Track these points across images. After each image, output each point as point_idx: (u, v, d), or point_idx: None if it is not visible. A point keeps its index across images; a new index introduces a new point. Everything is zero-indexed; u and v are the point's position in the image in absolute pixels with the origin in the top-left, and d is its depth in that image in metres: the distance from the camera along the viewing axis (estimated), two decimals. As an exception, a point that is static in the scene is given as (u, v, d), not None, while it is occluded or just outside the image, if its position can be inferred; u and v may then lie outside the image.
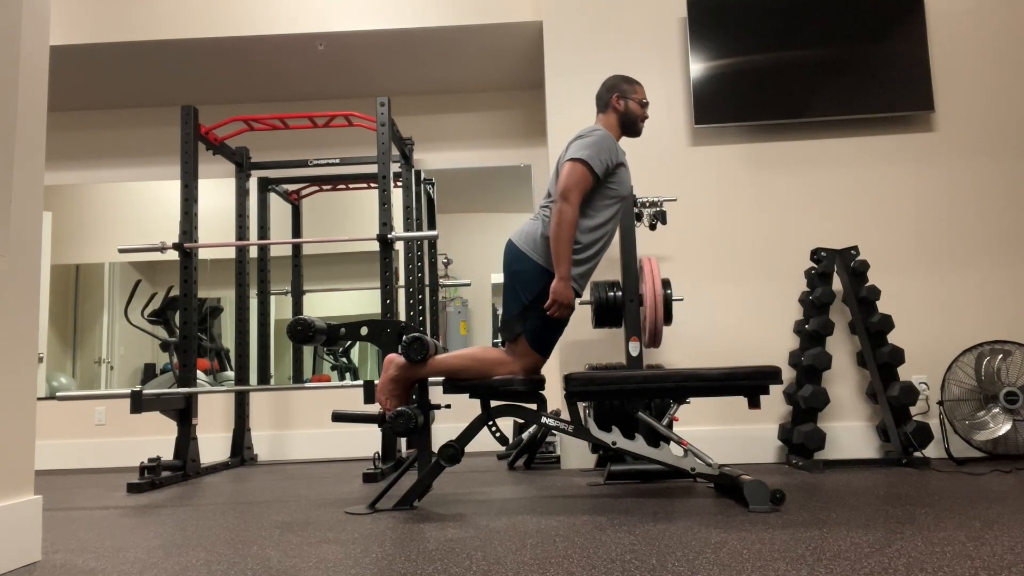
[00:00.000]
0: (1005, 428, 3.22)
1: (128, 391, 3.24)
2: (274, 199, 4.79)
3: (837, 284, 3.53)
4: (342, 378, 4.88)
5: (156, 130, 4.99)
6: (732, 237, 3.67)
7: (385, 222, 3.69)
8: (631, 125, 2.71)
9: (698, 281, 3.65)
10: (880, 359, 3.29)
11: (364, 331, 2.79)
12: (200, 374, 4.63)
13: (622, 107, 2.69)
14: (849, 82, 3.64)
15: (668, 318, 3.15)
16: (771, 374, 2.40)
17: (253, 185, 4.76)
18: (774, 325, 3.61)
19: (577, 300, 2.88)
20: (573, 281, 2.52)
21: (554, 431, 2.66)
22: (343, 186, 4.86)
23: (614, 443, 2.43)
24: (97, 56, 4.26)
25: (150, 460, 3.29)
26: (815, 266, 3.48)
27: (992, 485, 2.58)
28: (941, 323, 3.57)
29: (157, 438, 4.59)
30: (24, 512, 1.78)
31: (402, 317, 4.54)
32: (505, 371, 2.49)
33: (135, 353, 4.81)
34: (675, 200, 3.55)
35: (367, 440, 4.57)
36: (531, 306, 2.50)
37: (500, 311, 2.67)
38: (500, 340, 2.69)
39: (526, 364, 2.51)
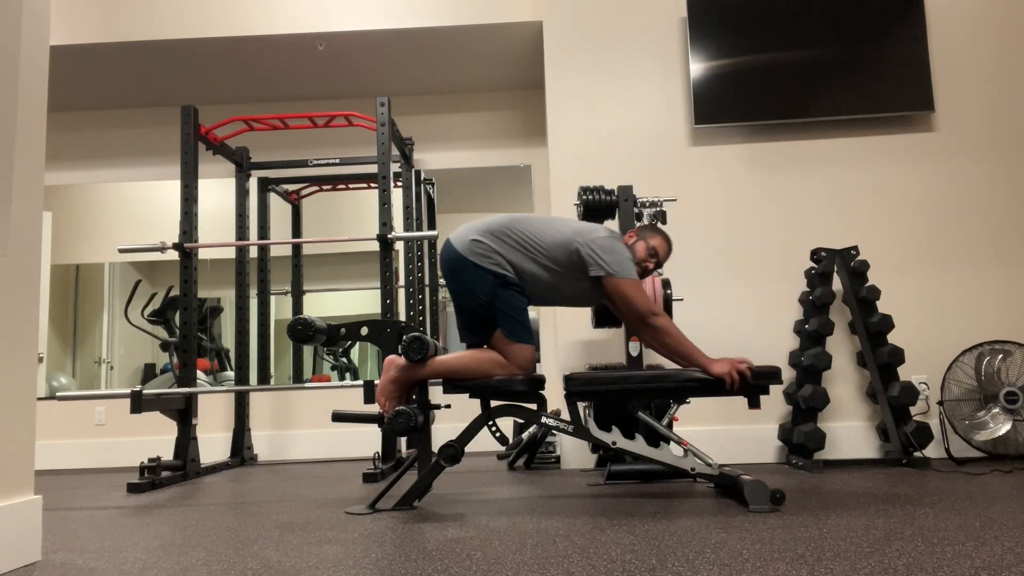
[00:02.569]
0: (1005, 428, 3.22)
1: (128, 391, 3.24)
2: (274, 199, 4.79)
3: (837, 284, 3.53)
4: (342, 378, 4.88)
5: (156, 130, 4.99)
6: (732, 237, 3.67)
7: (385, 222, 3.69)
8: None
9: (698, 281, 3.65)
10: (880, 359, 3.29)
11: (364, 331, 2.79)
12: (200, 374, 4.63)
13: (630, 242, 2.69)
14: (849, 82, 3.64)
15: (668, 318, 3.14)
16: (771, 374, 2.40)
17: (253, 185, 4.76)
18: (774, 325, 3.61)
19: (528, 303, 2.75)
20: (519, 287, 2.52)
21: (554, 431, 2.66)
22: (343, 186, 4.86)
23: (614, 443, 2.43)
24: (97, 56, 4.26)
25: (150, 460, 3.29)
26: (815, 266, 3.48)
27: (992, 485, 2.58)
28: (941, 323, 3.57)
29: (157, 438, 4.59)
30: (24, 512, 1.78)
31: (402, 317, 4.54)
32: (505, 372, 2.48)
33: (135, 353, 4.81)
34: (675, 200, 3.55)
35: (367, 440, 4.56)
36: (489, 304, 2.49)
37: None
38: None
39: (520, 360, 2.48)
